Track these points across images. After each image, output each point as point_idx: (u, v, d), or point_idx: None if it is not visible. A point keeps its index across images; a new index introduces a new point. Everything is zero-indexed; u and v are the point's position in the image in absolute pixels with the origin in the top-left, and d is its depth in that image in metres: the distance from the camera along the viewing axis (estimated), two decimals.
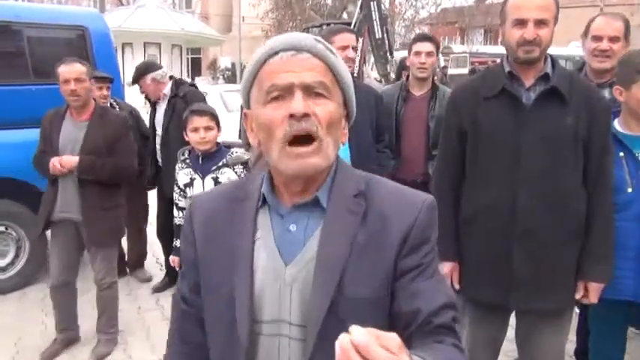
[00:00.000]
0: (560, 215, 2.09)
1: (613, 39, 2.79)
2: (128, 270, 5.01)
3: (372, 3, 9.86)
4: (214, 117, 3.01)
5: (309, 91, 0.99)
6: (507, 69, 2.17)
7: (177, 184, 3.09)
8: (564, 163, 2.10)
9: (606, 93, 2.65)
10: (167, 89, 4.43)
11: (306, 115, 0.97)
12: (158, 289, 4.63)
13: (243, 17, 26.97)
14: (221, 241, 1.08)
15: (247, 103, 1.08)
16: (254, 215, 1.07)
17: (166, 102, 4.39)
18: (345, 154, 2.97)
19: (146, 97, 4.66)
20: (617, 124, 2.34)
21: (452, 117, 2.28)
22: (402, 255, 1.00)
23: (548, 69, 2.13)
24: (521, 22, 2.06)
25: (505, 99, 2.14)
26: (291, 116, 0.97)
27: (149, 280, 4.89)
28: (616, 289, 2.25)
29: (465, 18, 27.37)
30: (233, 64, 28.95)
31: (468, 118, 2.18)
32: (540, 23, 2.05)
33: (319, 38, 1.04)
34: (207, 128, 2.94)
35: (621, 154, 2.26)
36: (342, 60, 1.06)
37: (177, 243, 3.15)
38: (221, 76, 27.75)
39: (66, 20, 4.87)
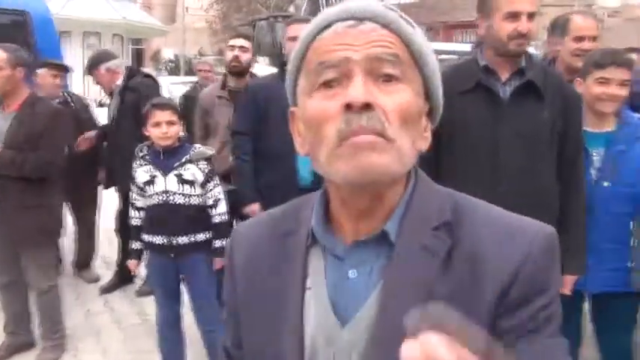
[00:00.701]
0: (536, 211, 2.07)
1: (594, 38, 2.83)
2: (74, 271, 4.75)
3: None
4: (176, 111, 2.87)
5: (376, 71, 0.72)
6: (483, 63, 2.14)
7: (134, 182, 2.91)
8: (541, 159, 2.11)
9: None
10: (120, 80, 4.20)
11: (368, 107, 0.69)
12: (106, 290, 4.41)
13: (187, 8, 26.35)
14: (264, 290, 0.84)
15: (294, 97, 0.82)
16: (304, 255, 0.82)
17: (118, 94, 4.17)
18: (305, 165, 2.88)
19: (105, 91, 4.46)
20: None
21: None
22: (501, 312, 0.71)
23: (524, 63, 2.12)
24: (514, 15, 2.03)
25: (481, 93, 2.10)
26: (348, 107, 0.70)
27: (97, 280, 4.65)
28: None
29: (410, 15, 27.75)
30: (176, 56, 28.24)
31: (444, 113, 2.12)
32: (530, 16, 2.04)
33: (390, 6, 0.77)
34: (170, 123, 2.79)
35: None
36: (423, 35, 0.78)
37: (134, 245, 2.98)
38: (164, 68, 27.04)
39: (5, 4, 4.55)
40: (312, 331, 0.78)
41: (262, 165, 3.11)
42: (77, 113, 4.45)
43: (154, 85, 4.28)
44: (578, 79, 2.37)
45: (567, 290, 2.21)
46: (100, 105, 10.81)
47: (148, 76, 4.53)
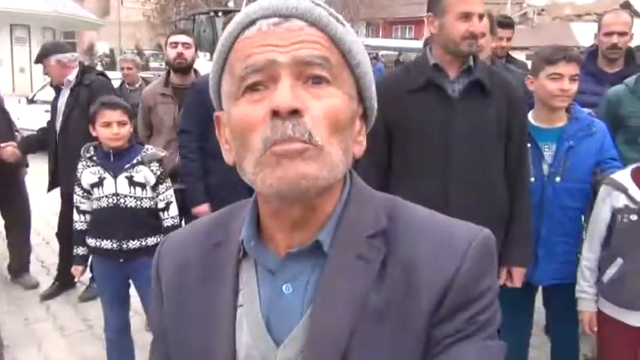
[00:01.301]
0: (487, 205, 2.16)
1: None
2: (10, 277, 4.52)
3: None
4: (127, 110, 2.75)
5: (304, 74, 0.68)
6: (432, 61, 2.19)
7: (79, 184, 2.78)
8: (490, 154, 2.18)
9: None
10: (72, 75, 4.01)
11: (296, 113, 0.65)
12: (48, 296, 4.21)
13: (122, 1, 25.53)
14: (192, 308, 0.78)
15: (218, 100, 0.77)
16: (235, 268, 0.76)
17: (69, 90, 3.99)
18: None
19: (50, 84, 4.26)
20: (530, 116, 2.47)
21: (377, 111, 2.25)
22: (436, 321, 0.69)
23: (471, 62, 2.18)
24: (466, 16, 2.08)
25: (432, 91, 2.16)
26: (274, 114, 0.65)
27: (35, 286, 4.43)
28: None
29: (349, 10, 27.99)
30: (112, 50, 27.31)
31: (394, 111, 2.15)
32: (480, 17, 2.11)
33: (318, 1, 0.72)
34: (121, 123, 2.68)
35: (528, 145, 2.38)
36: (353, 33, 0.74)
37: (79, 250, 2.87)
38: (99, 63, 26.11)
39: None
40: (245, 353, 0.73)
41: (211, 164, 3.07)
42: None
43: (108, 84, 4.13)
44: (529, 76, 2.44)
45: (518, 283, 2.29)
46: (32, 101, 10.28)
47: (101, 73, 4.37)
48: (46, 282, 4.44)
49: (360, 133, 0.77)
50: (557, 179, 2.37)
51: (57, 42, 4.74)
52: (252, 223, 0.76)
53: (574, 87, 2.34)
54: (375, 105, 0.79)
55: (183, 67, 3.66)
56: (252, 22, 0.70)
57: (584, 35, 18.33)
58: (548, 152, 2.40)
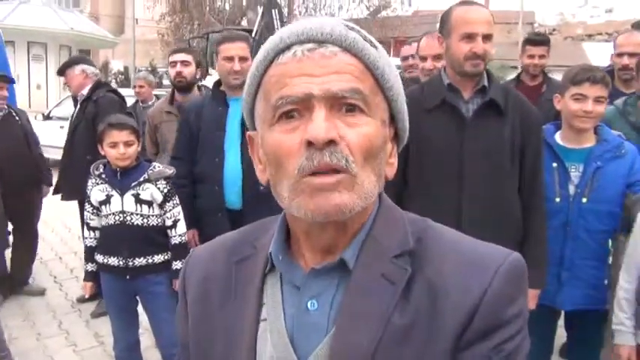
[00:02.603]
0: (501, 224, 2.15)
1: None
2: (15, 288, 4.45)
3: (273, 11, 9.82)
4: (135, 130, 2.75)
5: (338, 104, 0.69)
6: (447, 81, 2.20)
7: (89, 201, 2.79)
8: (504, 173, 2.18)
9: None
10: (86, 89, 4.10)
11: (331, 143, 0.67)
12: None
13: (136, 19, 25.90)
14: (216, 321, 0.79)
15: (251, 120, 0.78)
16: (260, 282, 0.77)
17: (79, 104, 4.08)
18: (235, 169, 2.82)
19: (72, 98, 4.41)
20: (557, 136, 2.43)
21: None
22: (462, 346, 0.68)
23: (485, 82, 2.19)
24: (469, 37, 2.10)
25: (446, 111, 2.17)
26: (310, 144, 0.67)
27: (42, 292, 4.47)
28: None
29: (361, 30, 28.15)
30: (126, 68, 27.65)
31: (412, 129, 2.15)
32: (486, 38, 2.11)
33: (352, 24, 0.72)
34: (127, 143, 2.68)
35: (554, 164, 2.35)
36: (387, 56, 0.74)
37: (88, 267, 2.87)
38: (114, 80, 26.44)
39: None
40: None
41: (197, 188, 2.99)
42: (25, 128, 4.34)
43: (117, 101, 4.12)
44: (557, 95, 2.41)
45: (532, 305, 2.24)
46: (47, 117, 10.41)
47: (113, 91, 4.38)
48: (57, 297, 4.47)
49: (391, 155, 0.78)
50: (584, 200, 2.31)
51: (83, 55, 4.86)
52: (281, 239, 0.77)
53: (599, 108, 2.29)
54: (407, 125, 0.80)
55: (183, 86, 3.69)
56: (288, 47, 0.71)
57: (595, 55, 18.29)
58: (575, 173, 2.35)
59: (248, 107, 0.78)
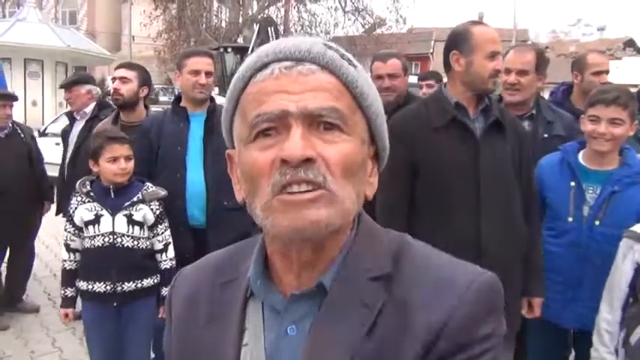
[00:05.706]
0: (513, 240, 2.18)
1: (521, 72, 2.81)
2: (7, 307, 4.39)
3: (269, 28, 9.91)
4: (132, 145, 2.69)
5: (315, 122, 0.68)
6: (453, 99, 2.19)
7: (71, 220, 2.62)
8: (512, 189, 2.20)
9: (525, 125, 2.73)
10: (89, 108, 4.12)
11: (307, 161, 0.66)
12: None
13: (133, 37, 26.01)
14: (198, 344, 0.78)
15: (230, 139, 0.78)
16: (242, 307, 0.76)
17: (84, 121, 4.07)
18: (198, 185, 2.81)
19: (67, 114, 4.37)
20: (580, 155, 2.39)
21: (397, 149, 2.23)
22: None
23: (487, 101, 2.22)
24: (493, 55, 2.12)
25: (456, 130, 2.16)
26: (284, 162, 0.66)
27: (36, 310, 4.44)
28: (542, 309, 2.34)
29: (356, 47, 28.35)
30: None
31: (421, 149, 2.15)
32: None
33: (331, 43, 0.73)
34: (128, 158, 2.60)
35: (572, 183, 2.34)
36: (365, 74, 0.74)
37: (67, 292, 2.68)
38: (110, 97, 26.49)
39: None
40: None
41: None
42: (29, 145, 4.34)
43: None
44: (583, 116, 2.37)
45: (538, 312, 2.29)
46: (43, 134, 10.39)
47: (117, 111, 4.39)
48: (51, 314, 4.42)
49: (371, 174, 0.77)
50: (596, 223, 2.27)
51: (90, 75, 4.94)
52: (259, 262, 0.76)
53: (615, 130, 2.22)
54: (388, 145, 0.80)
55: (120, 104, 3.43)
56: (265, 65, 0.71)
57: None
58: (592, 194, 2.31)
59: (227, 125, 0.77)
